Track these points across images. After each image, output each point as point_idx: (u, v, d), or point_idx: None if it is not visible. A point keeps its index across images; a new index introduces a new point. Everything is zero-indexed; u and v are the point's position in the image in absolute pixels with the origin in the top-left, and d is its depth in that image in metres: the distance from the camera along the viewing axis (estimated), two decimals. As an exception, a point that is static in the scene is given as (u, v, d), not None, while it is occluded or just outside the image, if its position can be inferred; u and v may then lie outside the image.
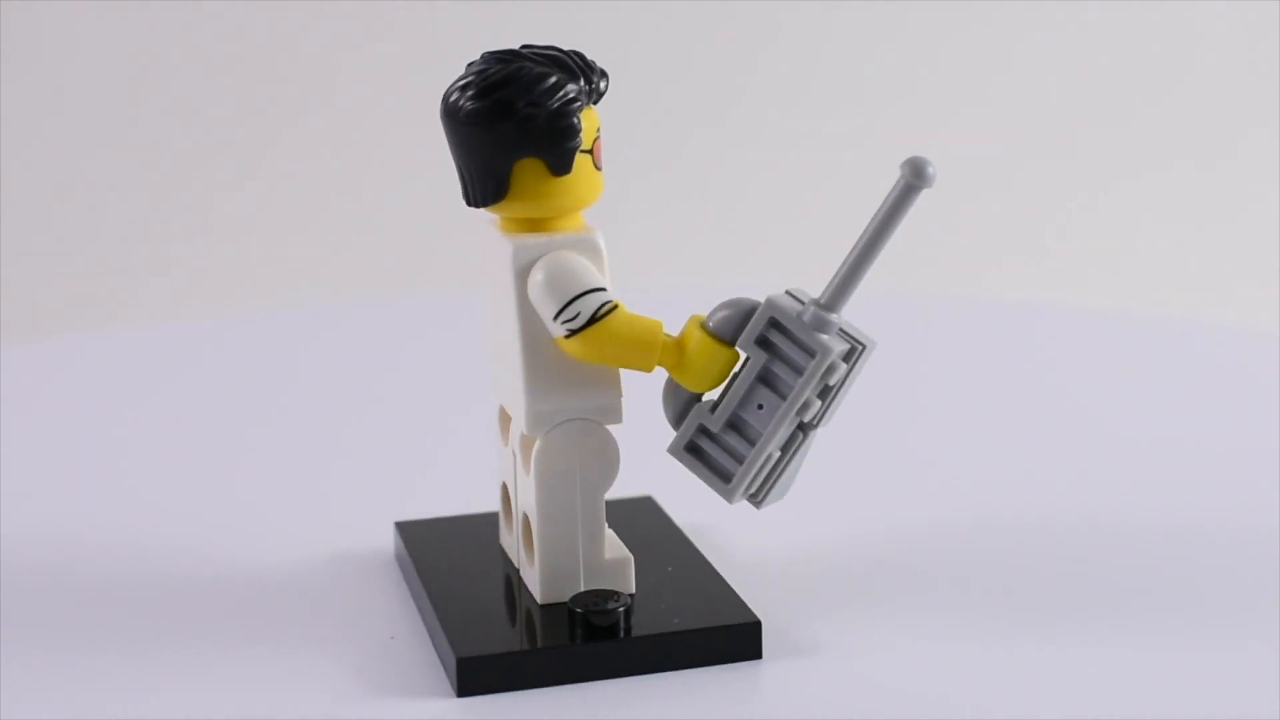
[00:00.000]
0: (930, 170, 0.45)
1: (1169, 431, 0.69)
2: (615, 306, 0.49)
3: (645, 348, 0.48)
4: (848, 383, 0.48)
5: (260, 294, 1.45)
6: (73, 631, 0.53)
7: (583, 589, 0.51)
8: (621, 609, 0.49)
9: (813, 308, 0.47)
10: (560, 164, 0.49)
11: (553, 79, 0.49)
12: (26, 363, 0.84)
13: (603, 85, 0.50)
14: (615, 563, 0.51)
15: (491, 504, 0.57)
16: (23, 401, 0.77)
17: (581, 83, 0.49)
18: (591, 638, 0.49)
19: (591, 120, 0.50)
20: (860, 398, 0.73)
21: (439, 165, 1.57)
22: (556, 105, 0.48)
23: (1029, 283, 1.44)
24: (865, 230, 0.47)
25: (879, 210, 0.46)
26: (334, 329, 0.90)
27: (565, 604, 0.50)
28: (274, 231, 1.50)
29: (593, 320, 0.48)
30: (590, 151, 0.49)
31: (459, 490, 0.63)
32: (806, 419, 0.48)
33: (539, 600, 0.51)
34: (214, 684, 0.49)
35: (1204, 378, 0.76)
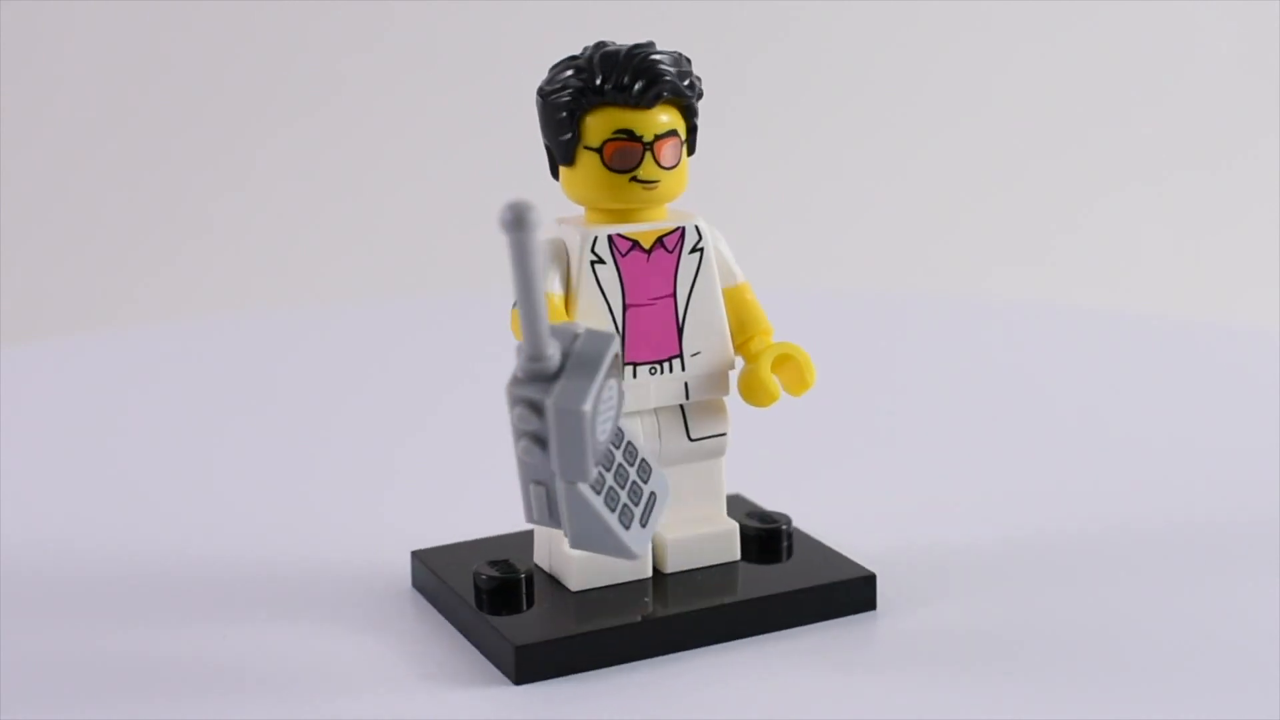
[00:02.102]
0: (531, 216, 0.43)
1: (1173, 433, 0.69)
2: None
3: None
4: (560, 440, 0.45)
5: (260, 294, 1.45)
6: (73, 633, 0.52)
7: (550, 565, 0.53)
8: (490, 583, 0.51)
9: (520, 353, 0.46)
10: (558, 153, 0.50)
11: (567, 74, 0.50)
12: (26, 363, 0.84)
13: (636, 92, 0.49)
14: (564, 555, 0.52)
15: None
16: (23, 402, 0.77)
17: (597, 83, 0.49)
18: (476, 599, 0.51)
19: (607, 122, 0.49)
20: (868, 400, 0.74)
21: (443, 166, 1.56)
22: (554, 94, 0.50)
23: (1033, 285, 1.44)
24: (514, 284, 0.45)
25: (511, 265, 0.44)
26: (335, 329, 0.90)
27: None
28: (275, 231, 1.50)
29: (515, 303, 0.50)
30: (599, 151, 0.49)
31: (466, 489, 0.63)
32: (528, 460, 0.46)
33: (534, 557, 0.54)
34: (214, 684, 0.49)
35: (1210, 380, 0.76)
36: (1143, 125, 1.48)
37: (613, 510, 0.47)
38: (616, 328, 0.51)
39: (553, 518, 0.47)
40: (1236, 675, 0.49)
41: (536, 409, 0.45)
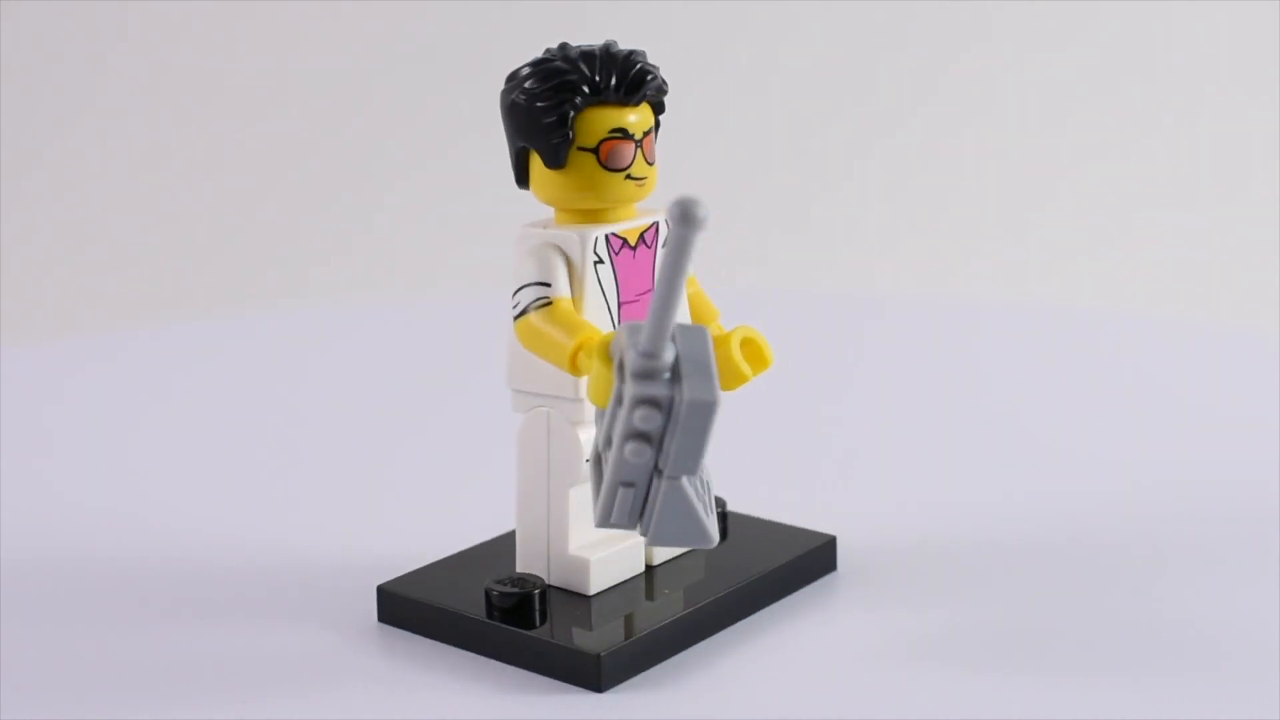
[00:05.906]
0: (700, 213, 0.41)
1: (1176, 431, 0.69)
2: (548, 303, 0.49)
3: (558, 350, 0.49)
4: (686, 434, 0.45)
5: (261, 294, 1.45)
6: (73, 635, 0.52)
7: (549, 574, 0.52)
8: (515, 596, 0.50)
9: (632, 351, 0.45)
10: (549, 157, 0.49)
11: (556, 75, 0.49)
12: (26, 363, 0.84)
13: (625, 89, 0.49)
14: (575, 560, 0.52)
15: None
16: (22, 403, 0.77)
17: (594, 83, 0.49)
18: (490, 614, 0.51)
19: (601, 121, 0.49)
20: (875, 402, 0.74)
21: (449, 167, 1.56)
22: (541, 97, 0.49)
23: (1031, 287, 1.44)
24: (659, 277, 0.43)
25: (664, 259, 0.43)
26: (336, 329, 0.90)
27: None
28: (279, 231, 1.50)
29: (524, 312, 0.49)
30: (595, 151, 0.49)
31: (470, 491, 0.63)
32: (635, 461, 0.45)
33: (516, 569, 0.53)
34: (217, 687, 0.49)
35: (1212, 380, 0.76)
36: (1147, 127, 1.48)
37: (700, 500, 0.47)
38: (614, 325, 0.51)
39: (632, 518, 0.46)
40: (1239, 674, 0.49)
41: (659, 406, 0.44)
